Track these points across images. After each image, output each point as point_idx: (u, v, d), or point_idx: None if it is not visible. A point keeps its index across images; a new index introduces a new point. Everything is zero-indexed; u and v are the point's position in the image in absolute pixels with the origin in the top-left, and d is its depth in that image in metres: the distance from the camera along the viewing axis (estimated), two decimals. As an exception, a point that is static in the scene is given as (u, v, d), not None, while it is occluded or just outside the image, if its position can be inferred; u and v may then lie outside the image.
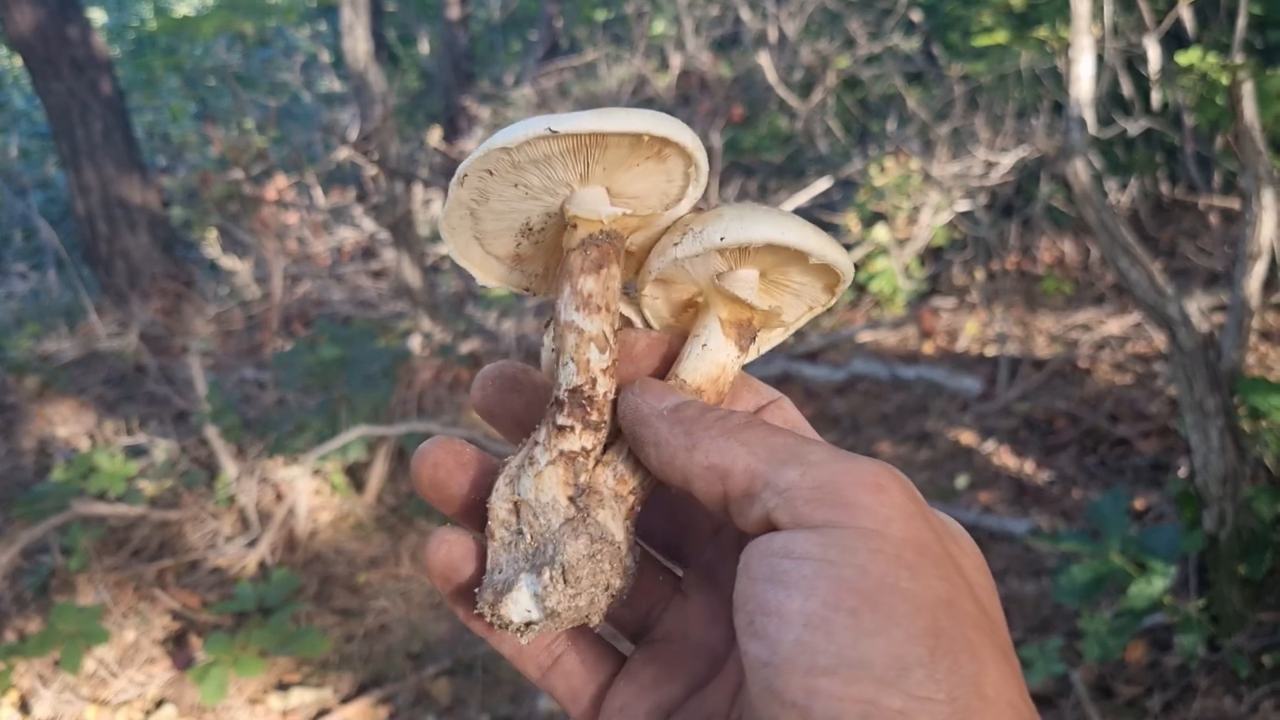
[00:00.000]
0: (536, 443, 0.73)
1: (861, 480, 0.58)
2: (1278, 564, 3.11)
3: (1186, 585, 3.29)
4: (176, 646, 4.01)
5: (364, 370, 4.56)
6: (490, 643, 0.76)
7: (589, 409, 0.73)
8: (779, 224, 0.74)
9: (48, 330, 7.95)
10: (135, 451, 4.95)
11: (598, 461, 0.74)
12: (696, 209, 0.80)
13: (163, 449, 4.86)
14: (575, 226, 0.76)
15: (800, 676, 0.53)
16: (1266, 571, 3.07)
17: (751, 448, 0.63)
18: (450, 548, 0.74)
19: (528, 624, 0.70)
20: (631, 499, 0.73)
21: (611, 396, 0.74)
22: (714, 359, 0.75)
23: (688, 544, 0.80)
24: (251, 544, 4.42)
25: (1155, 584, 2.98)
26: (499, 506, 0.73)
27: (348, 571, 4.43)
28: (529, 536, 0.71)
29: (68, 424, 6.28)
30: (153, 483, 4.65)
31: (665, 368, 0.78)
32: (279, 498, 4.65)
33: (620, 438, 0.75)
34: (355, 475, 4.93)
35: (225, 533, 4.52)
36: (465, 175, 0.75)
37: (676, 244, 0.76)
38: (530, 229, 0.81)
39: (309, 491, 4.67)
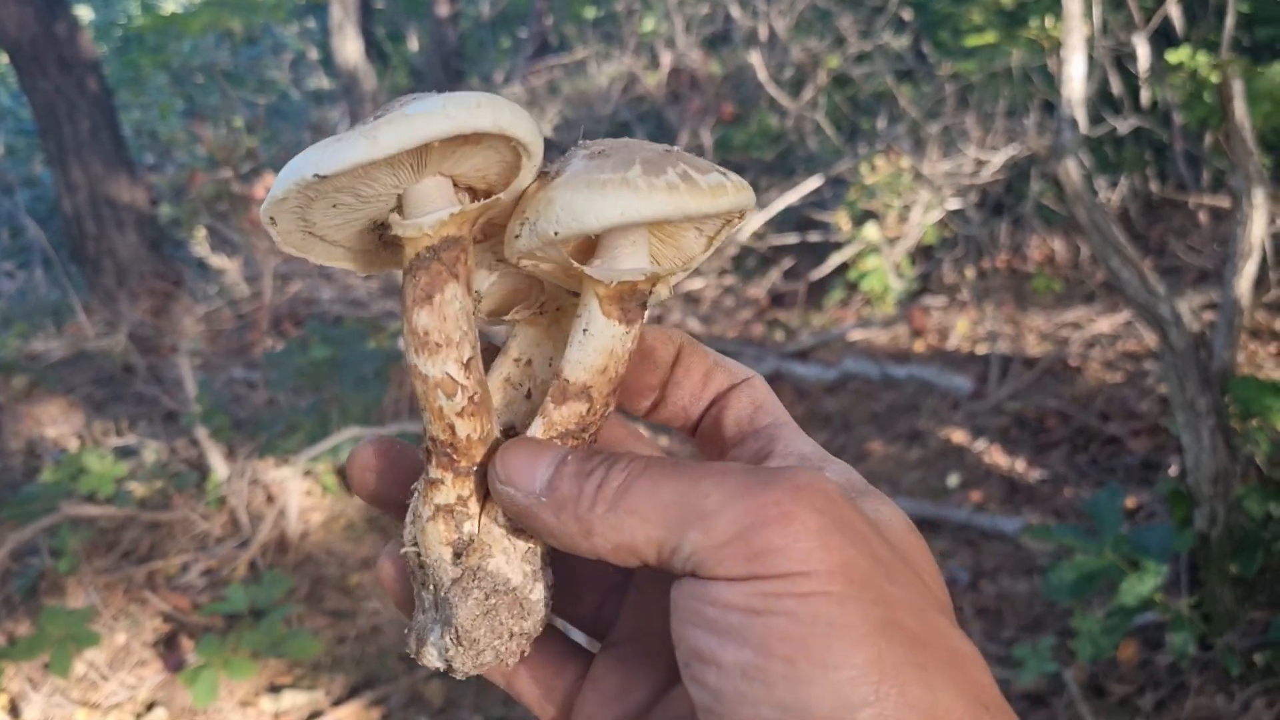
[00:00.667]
0: (415, 490, 0.69)
1: (767, 519, 0.54)
2: (1269, 563, 3.13)
3: (1178, 583, 3.31)
4: (167, 649, 4.00)
5: (356, 371, 4.55)
6: None
7: (455, 456, 0.67)
8: (617, 203, 0.63)
9: (35, 329, 7.92)
10: (125, 452, 4.93)
11: (479, 500, 0.68)
12: (542, 174, 0.69)
13: (152, 450, 4.84)
14: (402, 245, 0.66)
15: None
16: (1258, 570, 3.08)
17: (643, 515, 0.58)
18: (365, 459, 0.74)
19: (447, 669, 0.68)
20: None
21: (481, 434, 0.68)
22: (598, 345, 0.67)
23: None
24: (242, 545, 4.40)
25: (1147, 582, 2.98)
26: (407, 548, 0.69)
27: (339, 573, 4.41)
28: (430, 586, 0.68)
29: (56, 424, 6.25)
30: (143, 484, 4.63)
31: (650, 369, 0.73)
32: (270, 499, 4.64)
33: None
34: (347, 476, 4.91)
35: (216, 534, 4.50)
36: (272, 218, 0.67)
37: (517, 236, 0.67)
38: (376, 225, 0.71)
39: (300, 492, 4.66)
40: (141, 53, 14.43)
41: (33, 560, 4.40)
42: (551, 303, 0.75)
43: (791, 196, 7.30)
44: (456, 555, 0.67)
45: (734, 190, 0.65)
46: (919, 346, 6.17)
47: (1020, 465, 4.67)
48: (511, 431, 0.73)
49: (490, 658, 0.67)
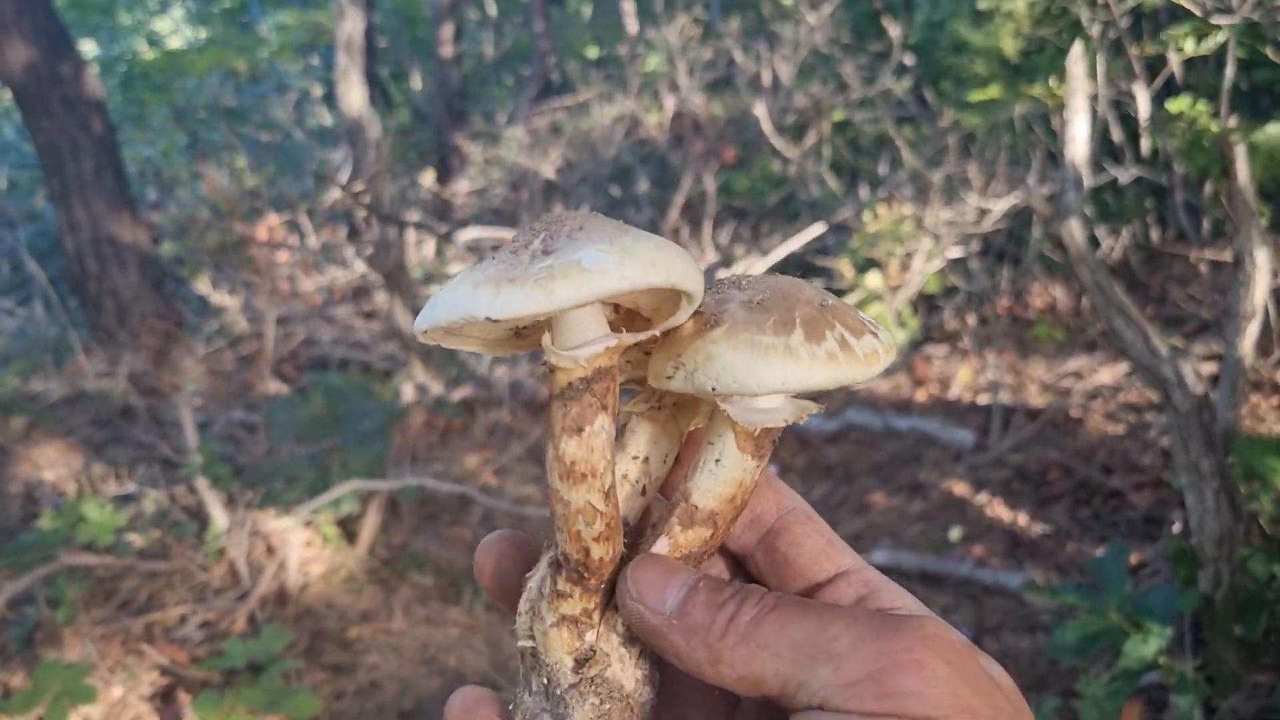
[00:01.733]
0: (542, 594, 0.72)
1: (900, 664, 0.58)
2: (1273, 625, 3.11)
3: (1182, 644, 3.28)
4: (164, 703, 3.96)
5: (357, 425, 4.54)
6: None
7: (586, 575, 0.70)
8: (775, 373, 0.64)
9: (34, 367, 7.90)
10: (124, 500, 4.90)
11: (604, 610, 0.72)
12: (697, 314, 0.69)
13: (152, 499, 4.82)
14: (552, 371, 0.67)
15: None
16: (1262, 632, 3.06)
17: (774, 650, 0.61)
18: (498, 558, 0.77)
19: None
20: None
21: (612, 557, 0.71)
22: (729, 477, 0.70)
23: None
24: (241, 597, 4.37)
25: (1151, 644, 2.96)
26: (520, 635, 0.73)
27: (339, 626, 4.38)
28: (544, 679, 0.72)
29: (54, 467, 6.23)
30: (141, 534, 4.61)
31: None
32: (270, 550, 4.61)
33: None
34: (347, 527, 4.89)
35: (215, 585, 4.47)
36: (424, 332, 0.67)
37: (669, 376, 0.68)
38: (518, 330, 0.73)
39: (300, 544, 4.64)
40: (146, 89, 14.51)
41: (29, 609, 4.37)
42: (670, 397, 0.77)
43: (794, 243, 7.32)
44: (578, 663, 0.71)
45: (884, 355, 0.68)
46: (921, 396, 6.16)
47: (1022, 519, 4.65)
48: (626, 525, 0.76)
49: None
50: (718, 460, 0.70)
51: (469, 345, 0.74)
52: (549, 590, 0.72)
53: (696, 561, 0.72)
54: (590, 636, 0.71)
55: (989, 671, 0.63)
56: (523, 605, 0.73)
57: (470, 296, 0.62)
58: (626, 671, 0.71)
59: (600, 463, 0.68)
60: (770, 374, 0.64)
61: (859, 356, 0.66)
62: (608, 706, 0.70)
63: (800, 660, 0.60)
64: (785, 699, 0.61)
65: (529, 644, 0.73)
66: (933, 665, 0.58)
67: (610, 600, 0.72)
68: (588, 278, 0.59)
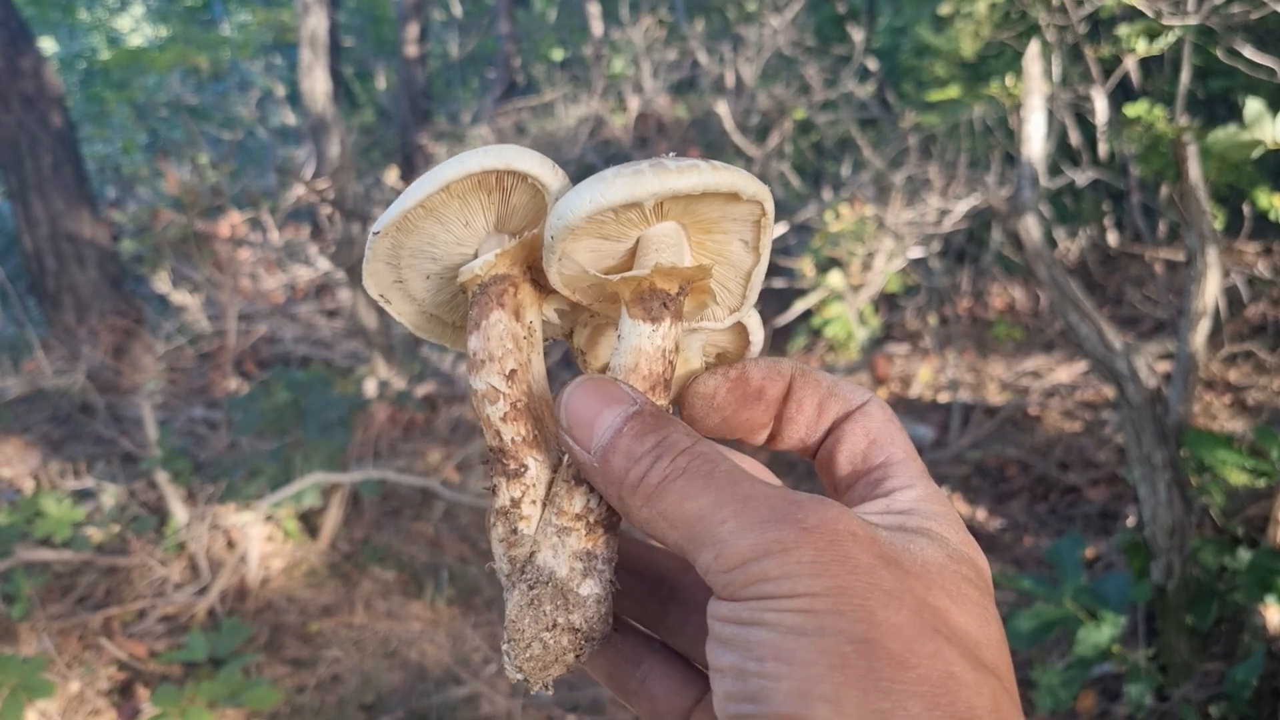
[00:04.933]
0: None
1: (768, 549, 0.59)
2: (1224, 615, 3.17)
3: (1135, 634, 3.34)
4: (123, 698, 3.93)
5: (321, 419, 4.52)
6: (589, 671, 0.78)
7: (504, 460, 0.72)
8: (581, 200, 0.67)
9: (-9, 366, 7.80)
10: (82, 495, 4.86)
11: (535, 502, 0.73)
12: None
13: (111, 493, 4.77)
14: (464, 289, 0.76)
15: None
16: (1213, 622, 3.12)
17: (671, 522, 0.63)
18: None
19: (523, 681, 0.72)
20: (580, 524, 0.71)
21: (526, 436, 0.72)
22: (627, 345, 0.71)
23: None
24: (201, 592, 4.35)
25: (1104, 633, 3.02)
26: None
27: (300, 620, 4.36)
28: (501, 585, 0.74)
29: (11, 464, 6.16)
30: (100, 528, 4.56)
31: (759, 408, 0.76)
32: (230, 545, 4.59)
33: (560, 468, 0.73)
34: (309, 521, 4.87)
35: (174, 580, 4.44)
36: (370, 247, 0.76)
37: (544, 260, 0.73)
38: (450, 288, 0.81)
39: (261, 538, 4.61)
40: (106, 87, 14.35)
41: (-15, 605, 4.32)
42: (597, 310, 0.80)
43: (756, 242, 7.34)
44: (510, 556, 0.72)
45: (708, 170, 0.68)
46: (882, 394, 6.22)
47: (981, 514, 4.71)
48: None
49: (539, 650, 0.70)
50: (619, 335, 0.72)
51: (407, 315, 0.83)
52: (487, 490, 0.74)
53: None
54: (522, 528, 0.72)
55: (910, 555, 0.62)
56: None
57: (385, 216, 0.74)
58: (559, 559, 0.71)
59: (498, 350, 0.73)
60: (579, 199, 0.68)
61: (670, 169, 0.67)
62: (536, 592, 0.70)
63: (691, 538, 0.62)
64: (686, 559, 0.63)
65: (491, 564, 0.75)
66: (799, 551, 0.58)
67: (547, 492, 0.73)
68: (447, 167, 0.71)
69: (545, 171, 0.74)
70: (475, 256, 0.77)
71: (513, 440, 0.72)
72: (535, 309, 0.77)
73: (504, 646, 0.71)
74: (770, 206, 0.73)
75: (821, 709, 0.54)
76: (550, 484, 0.73)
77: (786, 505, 0.61)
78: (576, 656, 0.71)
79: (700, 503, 0.62)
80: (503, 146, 0.72)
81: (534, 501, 0.73)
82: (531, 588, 0.70)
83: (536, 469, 0.73)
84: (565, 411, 0.68)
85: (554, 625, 0.70)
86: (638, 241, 0.73)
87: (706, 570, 0.61)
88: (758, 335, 0.81)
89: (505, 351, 0.73)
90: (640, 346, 0.71)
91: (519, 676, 0.71)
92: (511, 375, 0.73)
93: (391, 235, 0.74)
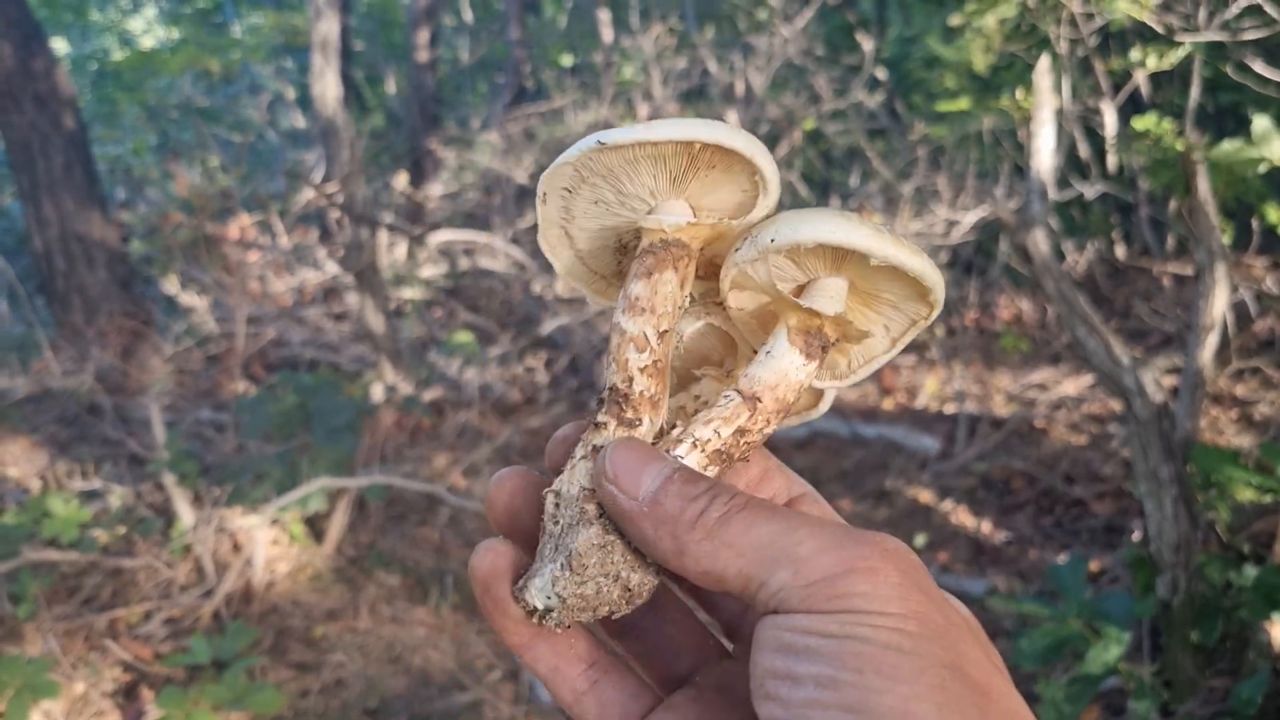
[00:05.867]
0: (579, 440, 0.76)
1: (854, 568, 0.60)
2: (1229, 631, 3.16)
3: (1140, 650, 3.33)
4: (127, 699, 3.94)
5: (328, 422, 4.53)
6: (525, 661, 0.76)
7: (624, 406, 0.75)
8: (829, 223, 0.72)
9: (-1, 365, 7.83)
10: (89, 496, 4.87)
11: None
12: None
13: (118, 495, 4.79)
14: (639, 236, 0.80)
15: None
16: (1218, 638, 3.11)
17: (739, 550, 0.63)
18: (495, 557, 0.74)
19: (545, 610, 0.72)
20: None
21: (652, 395, 0.75)
22: (775, 365, 0.75)
23: (744, 622, 0.81)
24: (207, 595, 4.35)
25: (1111, 650, 3.01)
26: (547, 500, 0.75)
27: (304, 624, 4.37)
28: (559, 525, 0.74)
29: (19, 464, 6.18)
30: (106, 530, 4.57)
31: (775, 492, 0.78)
32: (236, 548, 4.60)
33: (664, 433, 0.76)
34: (314, 526, 4.88)
35: (180, 582, 4.45)
36: (545, 194, 0.80)
37: (738, 249, 0.77)
38: (624, 246, 0.84)
39: (267, 542, 4.62)
40: (118, 88, 14.40)
41: (-9, 605, 4.33)
42: (738, 369, 0.84)
43: (764, 251, 7.35)
44: (588, 491, 0.73)
45: (928, 263, 0.73)
46: (888, 404, 6.22)
47: (986, 526, 4.71)
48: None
49: (591, 591, 0.71)
50: (768, 351, 0.76)
51: (572, 270, 0.87)
52: (588, 425, 0.76)
53: (728, 458, 0.75)
54: None
55: (949, 599, 0.65)
56: (566, 465, 0.76)
57: (583, 140, 0.77)
58: None
59: (661, 306, 0.76)
60: (822, 225, 0.72)
61: (903, 242, 0.73)
62: (613, 538, 0.71)
63: (763, 561, 0.62)
64: (745, 596, 0.64)
65: (553, 492, 0.75)
66: (885, 572, 0.60)
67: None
68: (680, 125, 0.73)
69: (775, 178, 0.77)
70: (652, 213, 0.80)
71: (641, 393, 0.75)
72: (690, 287, 0.80)
73: (551, 571, 0.72)
74: (935, 316, 0.79)
75: None
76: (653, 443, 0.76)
77: (859, 532, 0.63)
78: (610, 612, 0.73)
79: (771, 528, 0.64)
80: (734, 130, 0.75)
81: None
82: (607, 533, 0.71)
83: (648, 428, 0.75)
84: (610, 461, 0.70)
85: (616, 576, 0.71)
86: (810, 281, 0.78)
87: (782, 588, 0.61)
88: (826, 406, 0.87)
89: (666, 311, 0.76)
90: (787, 372, 0.75)
91: (548, 604, 0.71)
92: (663, 335, 0.76)
93: (592, 162, 0.76)
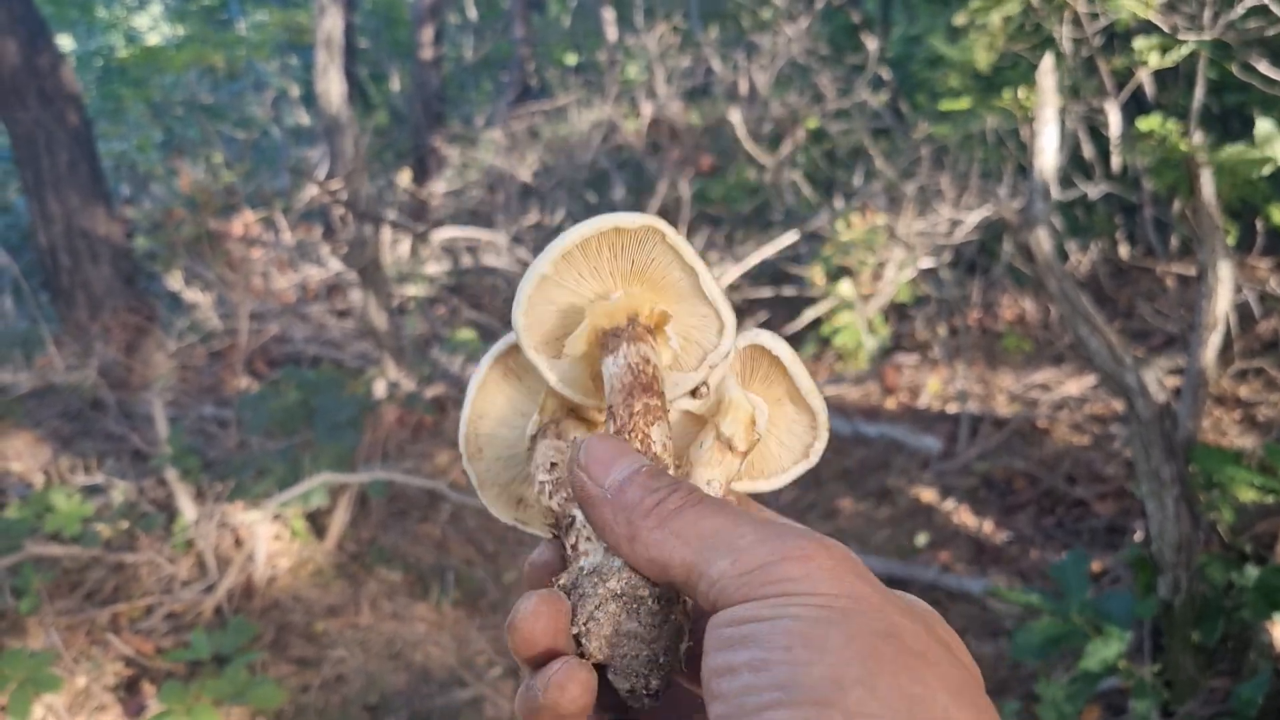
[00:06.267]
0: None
1: (788, 555, 0.61)
2: (1230, 631, 3.16)
3: (1141, 650, 3.33)
4: (128, 694, 3.95)
5: (330, 419, 4.53)
6: None
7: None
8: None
9: (3, 360, 7.83)
10: (92, 491, 4.88)
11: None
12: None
13: (120, 490, 4.79)
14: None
15: (750, 717, 0.56)
16: (1219, 638, 3.11)
17: (685, 539, 0.65)
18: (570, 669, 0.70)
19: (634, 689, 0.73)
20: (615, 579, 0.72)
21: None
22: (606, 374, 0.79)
23: None
24: (208, 590, 4.36)
25: (1111, 648, 3.01)
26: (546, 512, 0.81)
27: (305, 620, 4.38)
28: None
29: (22, 459, 6.19)
30: (109, 524, 4.58)
31: None
32: (238, 543, 4.60)
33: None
34: (316, 521, 4.89)
35: (182, 577, 4.46)
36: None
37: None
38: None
39: (269, 537, 4.63)
40: (123, 85, 14.41)
41: (-7, 599, 4.34)
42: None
43: (768, 250, 7.36)
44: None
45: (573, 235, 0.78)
46: (890, 404, 6.22)
47: (988, 526, 4.70)
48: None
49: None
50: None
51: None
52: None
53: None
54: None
55: (902, 595, 0.65)
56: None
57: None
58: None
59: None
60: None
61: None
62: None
63: (704, 551, 0.64)
64: (687, 587, 0.65)
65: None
66: (819, 559, 0.60)
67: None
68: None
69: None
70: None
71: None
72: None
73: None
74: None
75: (855, 691, 0.54)
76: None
77: (801, 528, 0.65)
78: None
79: (718, 521, 0.65)
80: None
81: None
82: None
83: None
84: (585, 450, 0.72)
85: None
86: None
87: (720, 576, 0.62)
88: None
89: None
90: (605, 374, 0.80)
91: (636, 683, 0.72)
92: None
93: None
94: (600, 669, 0.71)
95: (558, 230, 8.95)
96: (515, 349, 0.81)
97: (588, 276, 0.79)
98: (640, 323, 0.79)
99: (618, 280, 0.80)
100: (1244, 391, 5.22)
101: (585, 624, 0.70)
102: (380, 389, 5.32)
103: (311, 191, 8.65)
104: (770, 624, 0.58)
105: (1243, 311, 5.55)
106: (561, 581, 0.73)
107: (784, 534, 0.62)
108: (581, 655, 0.71)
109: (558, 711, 0.68)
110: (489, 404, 0.84)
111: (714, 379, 0.82)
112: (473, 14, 15.92)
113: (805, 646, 0.56)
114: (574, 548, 0.74)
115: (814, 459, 0.87)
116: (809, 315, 7.10)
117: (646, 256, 0.79)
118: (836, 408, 6.27)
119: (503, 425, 0.85)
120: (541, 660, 0.71)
